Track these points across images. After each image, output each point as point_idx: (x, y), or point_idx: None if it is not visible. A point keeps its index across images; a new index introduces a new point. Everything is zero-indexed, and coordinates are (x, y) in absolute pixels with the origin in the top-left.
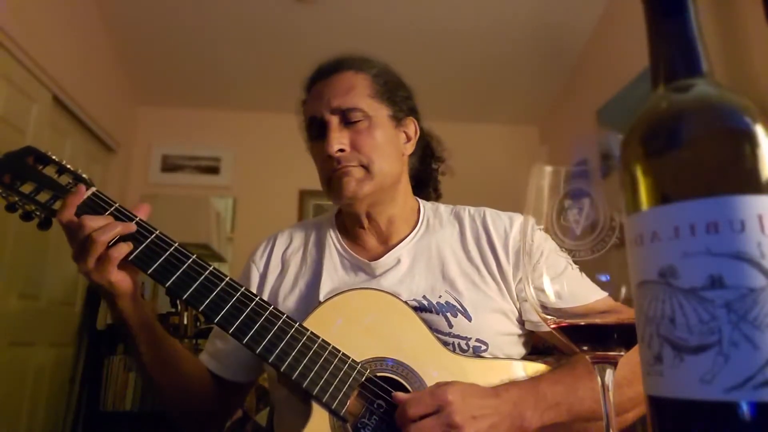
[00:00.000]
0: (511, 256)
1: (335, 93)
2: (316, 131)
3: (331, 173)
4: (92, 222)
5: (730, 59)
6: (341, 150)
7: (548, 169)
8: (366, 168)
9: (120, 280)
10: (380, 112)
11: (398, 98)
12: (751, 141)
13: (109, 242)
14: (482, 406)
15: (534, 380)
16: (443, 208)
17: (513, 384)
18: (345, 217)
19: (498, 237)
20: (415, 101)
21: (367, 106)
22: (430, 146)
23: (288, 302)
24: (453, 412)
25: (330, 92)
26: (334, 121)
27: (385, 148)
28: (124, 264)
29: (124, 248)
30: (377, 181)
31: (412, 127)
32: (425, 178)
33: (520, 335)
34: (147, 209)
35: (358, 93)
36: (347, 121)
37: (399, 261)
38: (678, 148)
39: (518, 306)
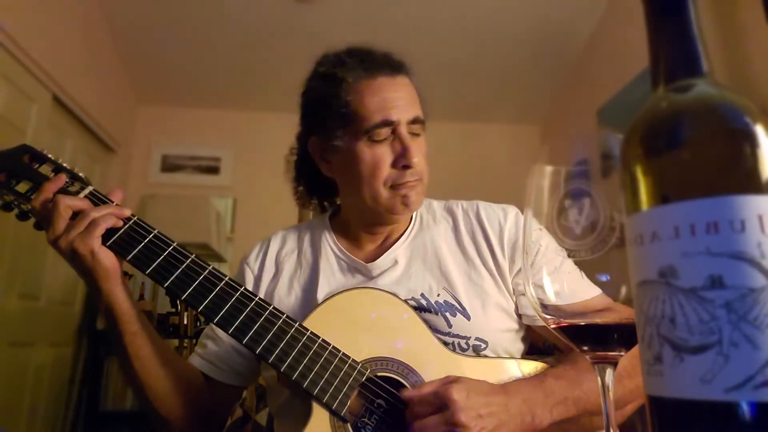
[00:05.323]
0: (506, 249)
1: (409, 101)
2: (383, 134)
3: (400, 183)
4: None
5: (730, 59)
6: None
7: (549, 168)
8: (421, 181)
9: (103, 252)
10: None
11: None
12: (751, 141)
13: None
14: (489, 403)
15: (540, 377)
16: (436, 204)
17: (521, 381)
18: (359, 220)
19: (492, 230)
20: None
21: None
22: None
23: (284, 305)
24: (457, 411)
25: (403, 98)
26: (408, 130)
27: None
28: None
29: (112, 219)
30: (425, 192)
31: None
32: None
33: (518, 330)
34: (119, 194)
35: (419, 103)
36: (412, 133)
37: (396, 262)
38: (678, 148)
39: (515, 300)
